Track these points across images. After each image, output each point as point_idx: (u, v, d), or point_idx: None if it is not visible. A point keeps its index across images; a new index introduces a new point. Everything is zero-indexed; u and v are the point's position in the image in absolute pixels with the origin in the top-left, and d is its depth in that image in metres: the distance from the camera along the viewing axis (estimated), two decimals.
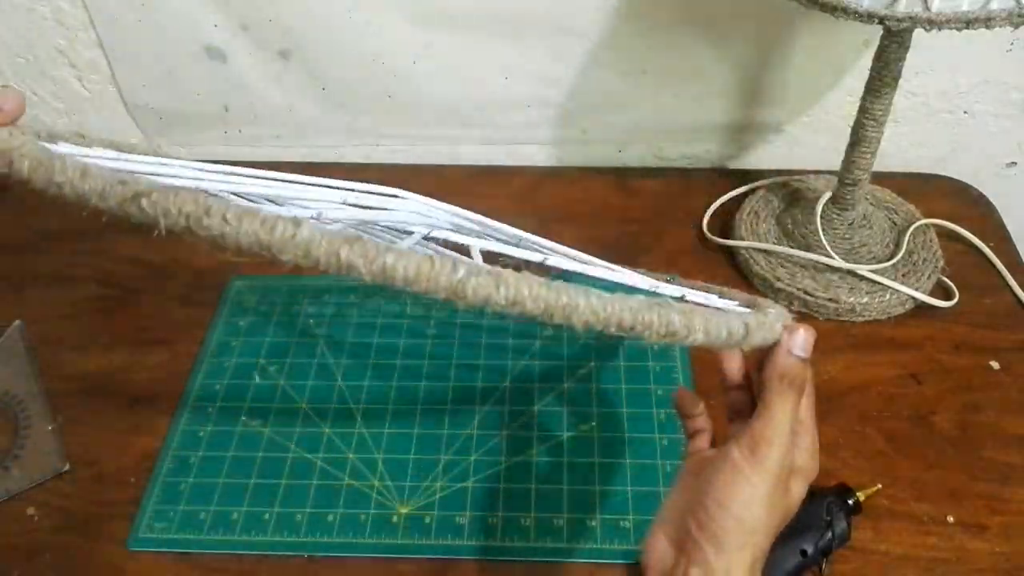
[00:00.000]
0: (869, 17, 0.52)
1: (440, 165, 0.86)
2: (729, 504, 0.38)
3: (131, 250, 0.79)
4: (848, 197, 0.71)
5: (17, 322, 0.72)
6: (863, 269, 0.70)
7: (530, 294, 0.30)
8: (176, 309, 0.74)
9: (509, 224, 0.49)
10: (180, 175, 0.38)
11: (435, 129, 0.82)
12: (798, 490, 0.41)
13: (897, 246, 0.73)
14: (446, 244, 0.45)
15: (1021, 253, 0.76)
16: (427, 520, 0.58)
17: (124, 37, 0.79)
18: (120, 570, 0.56)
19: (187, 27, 0.77)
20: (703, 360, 0.67)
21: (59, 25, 0.80)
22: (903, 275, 0.71)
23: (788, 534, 0.53)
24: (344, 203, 0.41)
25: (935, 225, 0.76)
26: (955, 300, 0.71)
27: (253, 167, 0.61)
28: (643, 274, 0.48)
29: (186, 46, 0.78)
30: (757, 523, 0.38)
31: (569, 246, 0.58)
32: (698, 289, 0.47)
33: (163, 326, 0.72)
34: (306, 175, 0.44)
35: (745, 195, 0.81)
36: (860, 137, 0.67)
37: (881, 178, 0.79)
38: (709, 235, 0.78)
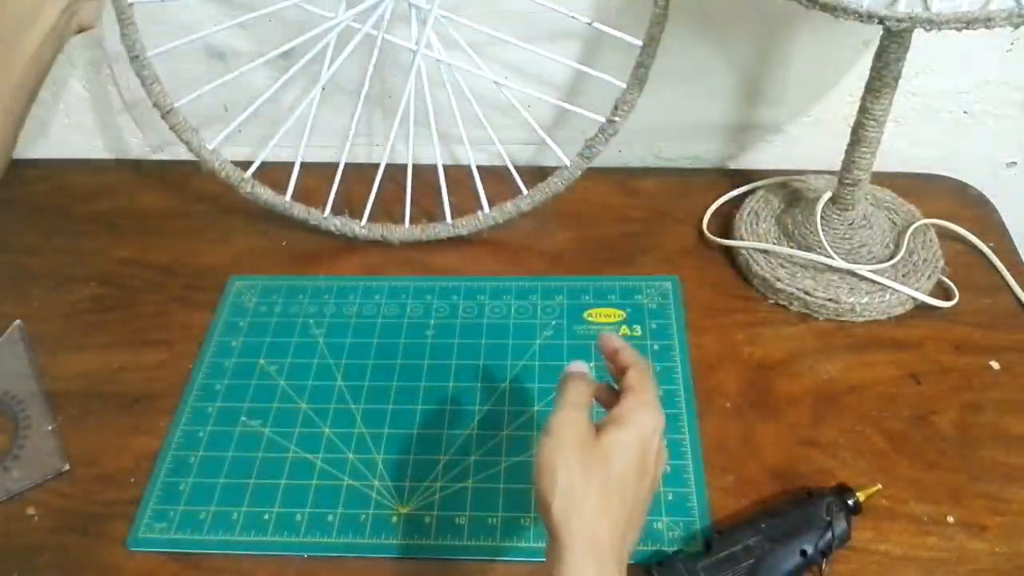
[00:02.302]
0: (869, 17, 0.52)
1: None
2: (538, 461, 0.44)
3: (131, 250, 0.79)
4: (848, 197, 0.71)
5: (17, 322, 0.72)
6: (863, 269, 0.70)
7: None
8: (176, 309, 0.74)
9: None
10: None
11: (435, 129, 0.82)
12: (625, 440, 0.44)
13: (897, 246, 0.73)
14: None
15: (1021, 253, 0.76)
16: (427, 520, 0.58)
17: None
18: (120, 570, 0.56)
19: (187, 27, 0.77)
20: (703, 361, 0.67)
21: None
22: (903, 275, 0.71)
23: (788, 534, 0.54)
24: None
25: (935, 225, 0.76)
26: (955, 300, 0.70)
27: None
28: None
29: (186, 46, 0.77)
30: (569, 483, 0.42)
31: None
32: None
33: (163, 326, 0.72)
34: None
35: (745, 195, 0.81)
36: (860, 137, 0.67)
37: (881, 178, 0.79)
38: (709, 235, 0.78)
